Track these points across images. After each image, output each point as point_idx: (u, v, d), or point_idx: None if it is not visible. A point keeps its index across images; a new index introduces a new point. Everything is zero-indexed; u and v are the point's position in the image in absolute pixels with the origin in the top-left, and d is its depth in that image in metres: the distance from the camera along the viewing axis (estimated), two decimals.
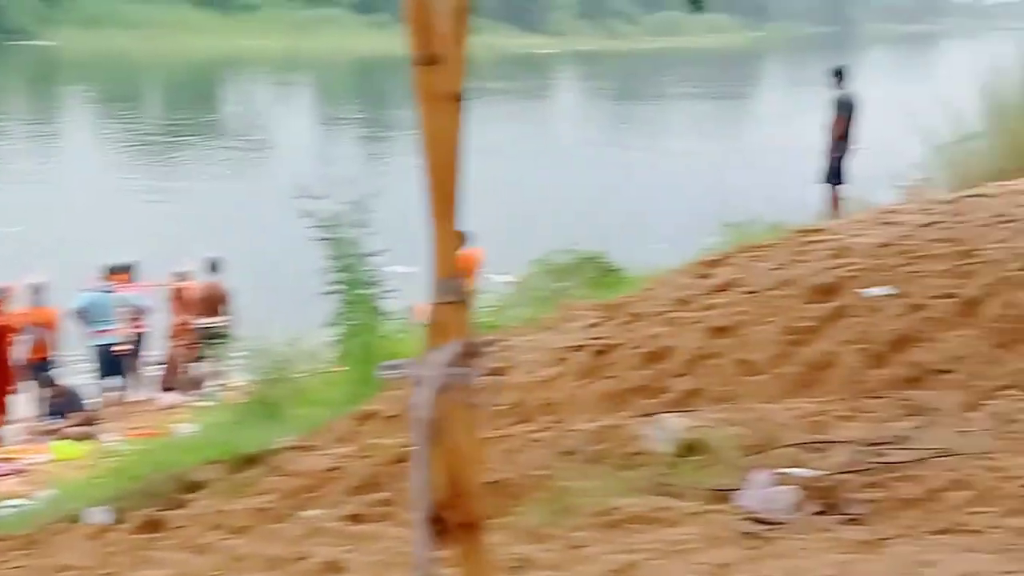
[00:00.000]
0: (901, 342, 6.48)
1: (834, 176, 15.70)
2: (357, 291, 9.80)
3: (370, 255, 10.06)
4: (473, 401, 2.08)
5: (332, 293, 9.85)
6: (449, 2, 2.07)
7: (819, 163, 15.83)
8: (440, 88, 2.06)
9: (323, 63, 76.11)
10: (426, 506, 2.07)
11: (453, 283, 2.06)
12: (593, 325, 7.91)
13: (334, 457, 6.24)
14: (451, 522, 2.10)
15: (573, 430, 5.87)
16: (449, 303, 2.07)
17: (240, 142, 41.09)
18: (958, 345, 6.32)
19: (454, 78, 2.08)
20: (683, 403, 6.32)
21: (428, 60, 2.04)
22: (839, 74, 15.85)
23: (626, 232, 15.85)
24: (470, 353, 2.05)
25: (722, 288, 7.94)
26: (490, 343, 2.12)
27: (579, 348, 7.32)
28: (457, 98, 2.08)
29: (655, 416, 5.75)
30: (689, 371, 6.67)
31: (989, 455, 4.82)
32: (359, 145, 39.97)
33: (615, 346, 7.22)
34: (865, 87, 17.82)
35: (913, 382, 6.08)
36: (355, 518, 5.01)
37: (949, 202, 10.49)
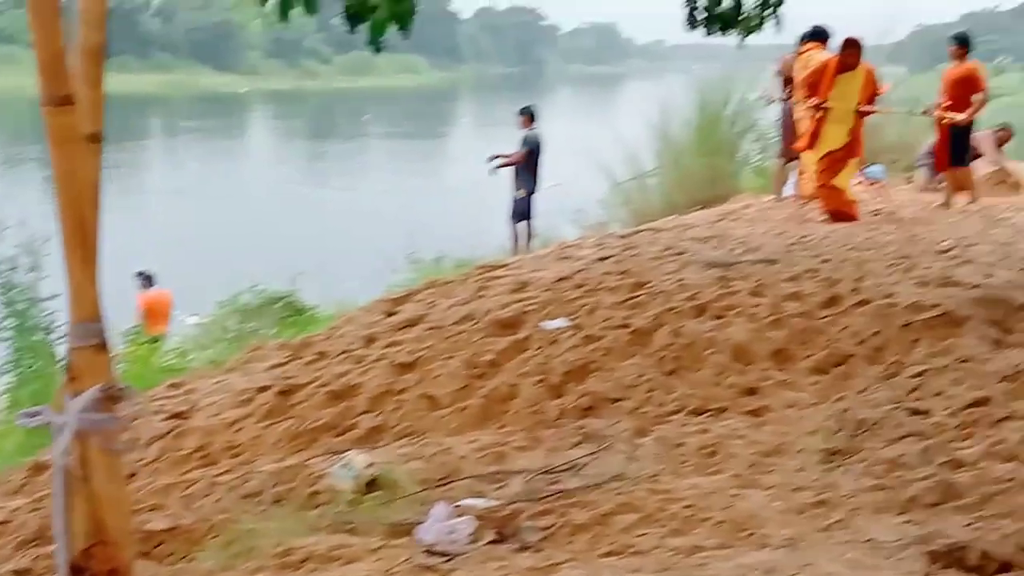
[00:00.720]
0: (577, 372, 6.71)
1: (521, 213, 16.12)
2: (31, 337, 9.40)
3: (45, 299, 9.68)
4: (115, 446, 2.04)
5: (4, 340, 9.42)
6: (82, 42, 2.03)
7: (508, 201, 16.21)
8: (73, 129, 2.01)
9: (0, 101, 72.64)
10: (67, 554, 2.01)
11: (91, 327, 2.02)
12: (279, 365, 7.84)
13: (4, 511, 5.95)
14: (95, 569, 2.05)
15: (257, 472, 5.80)
16: (88, 347, 2.02)
17: None
18: (630, 374, 6.60)
19: (90, 118, 2.04)
20: (369, 440, 6.33)
21: (59, 101, 1.99)
22: (527, 114, 16.27)
23: (318, 271, 15.75)
24: (111, 398, 2.01)
25: (408, 325, 8.04)
26: (131, 388, 2.07)
27: (265, 389, 7.25)
28: (92, 139, 2.05)
29: (340, 454, 5.74)
30: (374, 408, 6.70)
31: (656, 478, 5.05)
32: (38, 186, 38.29)
33: (301, 385, 7.18)
34: (552, 126, 18.38)
35: (588, 411, 6.30)
36: (23, 572, 4.78)
37: (624, 236, 10.99)
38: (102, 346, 2.04)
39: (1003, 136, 16.28)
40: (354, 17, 7.56)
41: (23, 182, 38.94)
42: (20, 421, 2.09)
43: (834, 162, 12.28)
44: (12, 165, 44.54)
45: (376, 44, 7.55)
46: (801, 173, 13.79)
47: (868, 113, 12.75)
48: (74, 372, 2.01)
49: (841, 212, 12.26)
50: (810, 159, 12.59)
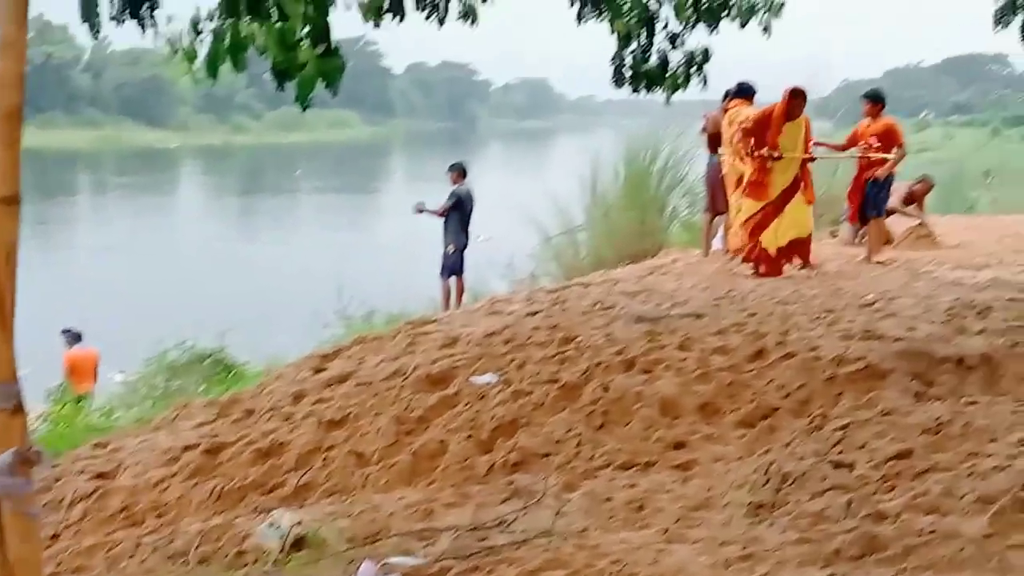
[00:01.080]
0: (507, 428, 6.72)
1: (452, 268, 16.12)
2: None
3: None
4: (30, 511, 2.02)
5: None
6: None
7: (438, 256, 16.22)
8: None
9: None
10: None
11: (6, 389, 2.01)
12: (206, 423, 7.78)
13: None
14: None
15: (182, 532, 5.74)
16: (2, 411, 2.01)
17: None
18: (559, 428, 6.62)
19: (5, 181, 2.04)
20: (296, 498, 6.30)
21: None
22: (457, 170, 16.31)
23: (248, 327, 15.67)
24: (25, 462, 2.00)
25: (337, 381, 8.02)
26: (46, 452, 2.05)
27: (191, 447, 7.18)
28: (8, 202, 2.04)
29: (267, 513, 5.70)
30: (303, 466, 6.67)
31: (584, 534, 5.06)
32: None
33: (228, 444, 7.13)
34: (483, 181, 18.48)
35: (517, 466, 6.30)
36: None
37: (553, 291, 11.04)
38: (18, 409, 2.02)
39: (922, 188, 16.49)
40: (282, 74, 7.57)
41: None
42: None
43: (766, 216, 12.22)
44: None
45: (304, 101, 7.55)
46: (728, 227, 13.95)
47: (812, 160, 12.70)
48: None
49: (767, 270, 12.23)
50: (750, 209, 12.50)
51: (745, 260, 12.49)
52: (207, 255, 36.70)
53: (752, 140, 12.30)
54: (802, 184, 12.36)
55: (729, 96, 13.97)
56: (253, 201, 57.91)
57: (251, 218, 50.77)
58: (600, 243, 17.50)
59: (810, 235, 12.64)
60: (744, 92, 13.93)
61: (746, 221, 12.45)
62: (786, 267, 12.41)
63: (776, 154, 12.09)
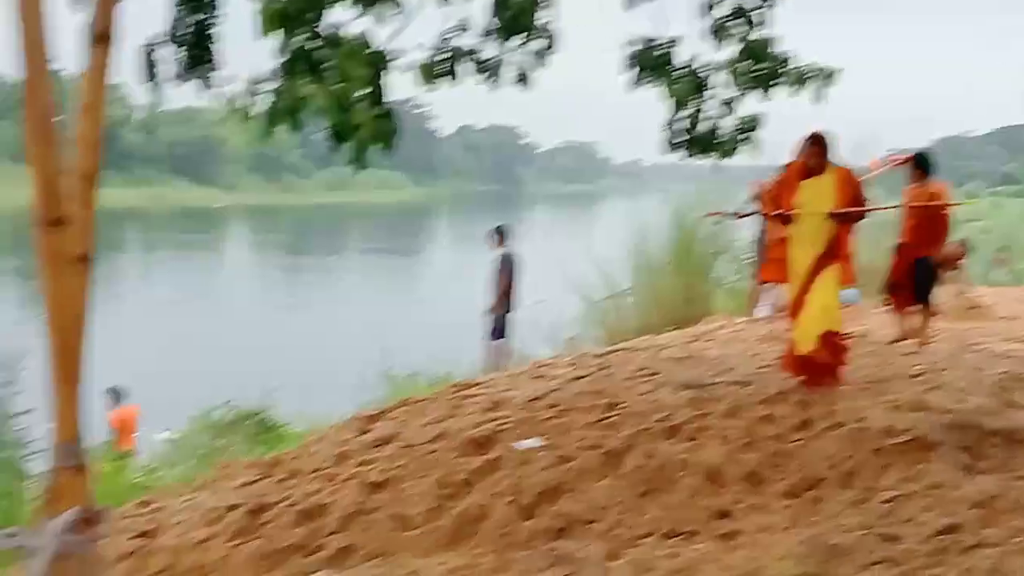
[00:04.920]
0: (550, 493, 6.70)
1: (497, 331, 16.15)
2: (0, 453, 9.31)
3: (18, 414, 9.60)
4: (91, 569, 2.05)
5: None
6: (77, 164, 2.09)
7: (484, 318, 16.26)
8: (66, 250, 2.06)
9: None
10: None
11: (72, 448, 2.04)
12: (249, 483, 7.81)
13: None
14: None
15: None
16: (67, 468, 2.04)
17: None
18: (602, 495, 6.60)
19: (81, 240, 2.09)
20: (338, 561, 6.30)
21: (53, 222, 2.04)
22: (501, 233, 16.39)
23: (293, 386, 15.73)
24: (88, 521, 2.03)
25: (380, 443, 8.04)
26: (108, 510, 2.08)
27: (234, 508, 7.20)
28: (84, 260, 2.09)
29: (309, 575, 5.71)
30: (345, 528, 6.67)
31: None
32: (14, 298, 38.13)
33: (271, 504, 7.14)
34: (528, 244, 18.55)
35: (560, 533, 6.28)
36: None
37: (598, 356, 11.02)
38: (81, 468, 2.05)
39: (956, 252, 15.88)
40: (339, 135, 7.65)
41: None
42: None
43: (794, 305, 9.28)
44: None
45: (359, 162, 7.63)
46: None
47: (843, 218, 9.08)
48: (53, 494, 2.03)
49: (807, 380, 9.00)
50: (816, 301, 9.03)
51: (784, 368, 9.42)
52: (254, 314, 36.96)
53: (773, 206, 9.44)
54: (836, 258, 9.13)
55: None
56: (300, 261, 58.33)
57: (298, 277, 51.10)
58: (646, 308, 17.49)
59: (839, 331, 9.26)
60: None
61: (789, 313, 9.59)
62: (841, 371, 9.21)
63: (783, 212, 9.16)
